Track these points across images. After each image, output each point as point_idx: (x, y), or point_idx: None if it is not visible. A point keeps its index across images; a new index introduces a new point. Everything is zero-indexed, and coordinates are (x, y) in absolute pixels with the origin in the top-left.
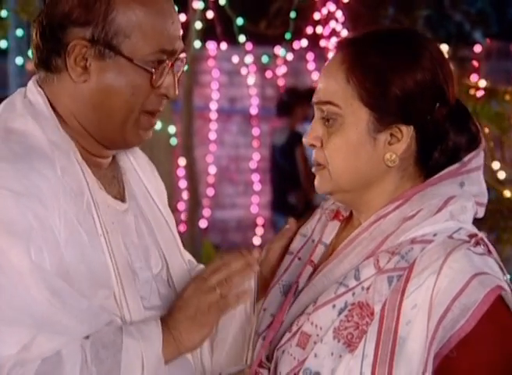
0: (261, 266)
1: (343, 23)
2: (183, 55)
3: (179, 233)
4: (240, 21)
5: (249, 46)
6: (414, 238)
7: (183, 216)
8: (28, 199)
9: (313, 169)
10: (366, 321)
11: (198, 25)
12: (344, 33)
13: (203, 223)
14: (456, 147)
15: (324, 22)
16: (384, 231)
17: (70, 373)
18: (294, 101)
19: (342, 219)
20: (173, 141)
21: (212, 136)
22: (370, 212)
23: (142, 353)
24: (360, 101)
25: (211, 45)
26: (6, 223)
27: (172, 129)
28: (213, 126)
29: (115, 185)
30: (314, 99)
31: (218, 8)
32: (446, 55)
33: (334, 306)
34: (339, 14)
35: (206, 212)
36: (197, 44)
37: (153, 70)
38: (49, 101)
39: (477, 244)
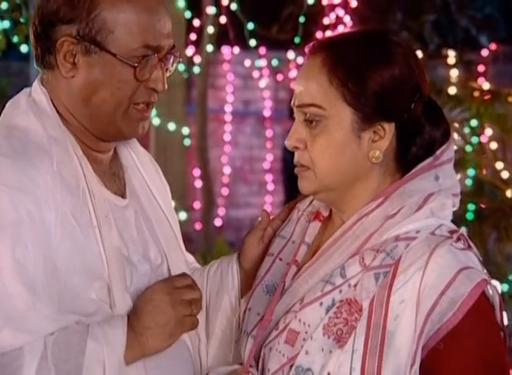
0: (241, 259)
1: (351, 28)
2: (176, 51)
3: (195, 231)
4: (250, 26)
5: (262, 50)
6: (397, 236)
7: (198, 215)
8: (22, 195)
9: (296, 171)
10: (355, 317)
11: (210, 29)
12: None
13: (218, 222)
14: (432, 141)
15: (333, 27)
16: (367, 230)
17: (28, 366)
18: None
19: (322, 220)
20: (187, 142)
21: (227, 137)
22: (352, 210)
23: (104, 358)
24: (343, 102)
25: (225, 50)
26: None
27: (185, 130)
28: (228, 127)
29: (115, 182)
30: (296, 102)
31: (231, 14)
32: (454, 60)
33: (321, 304)
34: (347, 19)
35: (221, 211)
36: (210, 48)
37: (135, 65)
38: (51, 99)
39: (458, 239)
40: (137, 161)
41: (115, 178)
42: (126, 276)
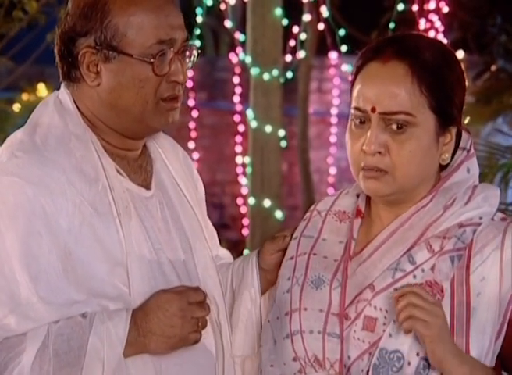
0: (259, 259)
1: (443, 32)
2: (191, 43)
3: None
4: (341, 32)
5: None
6: (460, 223)
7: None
8: (36, 187)
9: (368, 174)
10: (438, 298)
11: (303, 36)
12: (444, 41)
13: None
14: (460, 136)
15: (426, 32)
16: (423, 221)
17: (29, 351)
18: None
19: (362, 216)
20: (283, 144)
21: (333, 139)
22: (408, 205)
23: (104, 355)
24: (429, 109)
25: (333, 55)
26: (10, 208)
27: (281, 132)
28: (334, 129)
29: (140, 174)
30: (379, 109)
31: (329, 21)
32: None
33: (396, 290)
34: (437, 24)
35: None
36: (302, 54)
37: (152, 61)
38: (76, 104)
39: None
40: (164, 156)
41: (141, 171)
42: (145, 264)
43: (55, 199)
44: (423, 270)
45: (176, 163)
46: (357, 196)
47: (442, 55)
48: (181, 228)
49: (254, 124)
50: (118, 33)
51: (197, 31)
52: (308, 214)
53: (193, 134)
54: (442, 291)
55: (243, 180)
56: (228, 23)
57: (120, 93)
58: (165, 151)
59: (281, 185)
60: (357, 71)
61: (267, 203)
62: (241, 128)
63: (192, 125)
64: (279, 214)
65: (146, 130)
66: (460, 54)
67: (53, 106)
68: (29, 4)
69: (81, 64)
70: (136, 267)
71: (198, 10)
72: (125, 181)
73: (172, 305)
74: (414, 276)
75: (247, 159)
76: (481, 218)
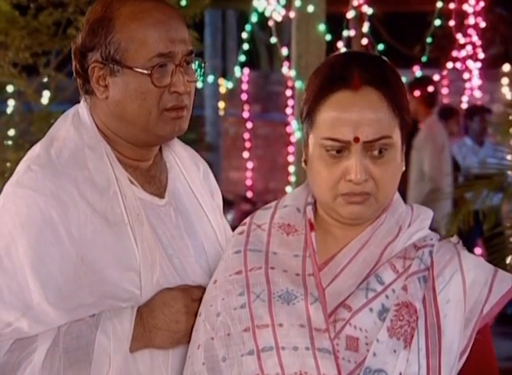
0: None
1: (481, 46)
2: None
3: None
4: (380, 46)
5: (416, 68)
6: (414, 244)
7: None
8: (48, 199)
9: (352, 199)
10: (414, 318)
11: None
12: (481, 55)
13: None
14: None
15: (464, 47)
16: (379, 239)
17: (40, 350)
18: (449, 117)
19: (315, 230)
20: None
21: None
22: (365, 224)
23: (111, 351)
24: (398, 128)
25: None
26: (22, 218)
27: None
28: None
29: (153, 183)
30: (364, 138)
31: (374, 36)
32: None
33: (371, 309)
34: (475, 38)
35: None
36: None
37: (149, 72)
38: (92, 116)
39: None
40: (180, 164)
41: (155, 180)
42: (157, 269)
43: (67, 210)
44: (394, 291)
45: (192, 172)
46: (298, 210)
47: (391, 69)
48: (195, 234)
49: (298, 135)
50: (120, 48)
51: (247, 46)
52: (245, 228)
53: (248, 144)
54: (416, 311)
55: (287, 189)
56: (273, 39)
57: (125, 105)
58: (181, 160)
59: None
60: (320, 99)
61: None
62: (293, 138)
63: (246, 136)
64: None
65: (155, 139)
66: (506, 67)
67: (71, 119)
68: (82, 22)
69: (91, 78)
70: (148, 272)
71: (247, 27)
72: (137, 190)
73: (178, 301)
74: (387, 297)
75: (292, 168)
76: (431, 239)
